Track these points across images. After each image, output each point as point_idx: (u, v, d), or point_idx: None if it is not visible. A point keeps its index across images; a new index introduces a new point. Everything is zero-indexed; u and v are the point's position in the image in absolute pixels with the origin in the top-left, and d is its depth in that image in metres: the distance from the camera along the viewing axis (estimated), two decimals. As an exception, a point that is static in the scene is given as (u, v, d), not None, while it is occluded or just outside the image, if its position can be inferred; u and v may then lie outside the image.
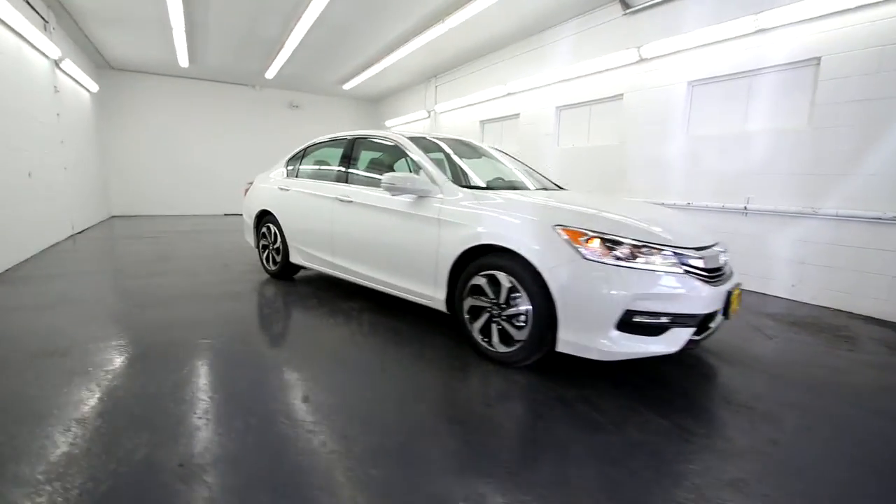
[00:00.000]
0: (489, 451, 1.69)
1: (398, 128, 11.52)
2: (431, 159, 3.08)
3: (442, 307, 2.78)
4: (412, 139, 3.29)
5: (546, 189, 3.41)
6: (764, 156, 4.30)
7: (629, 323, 2.10)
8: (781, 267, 4.23)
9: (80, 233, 7.21)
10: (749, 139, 4.42)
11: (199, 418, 1.83)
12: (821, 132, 3.90)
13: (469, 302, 2.58)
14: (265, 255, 4.47)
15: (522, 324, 2.33)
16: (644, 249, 2.15)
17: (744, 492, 1.51)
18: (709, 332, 2.34)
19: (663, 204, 4.91)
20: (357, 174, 3.58)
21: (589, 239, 2.16)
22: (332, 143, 4.00)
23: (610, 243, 2.15)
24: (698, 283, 2.19)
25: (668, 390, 2.29)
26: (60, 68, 6.52)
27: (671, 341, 2.16)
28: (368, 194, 3.28)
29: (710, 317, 2.28)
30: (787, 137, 4.13)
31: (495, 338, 2.47)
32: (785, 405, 2.16)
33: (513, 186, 3.25)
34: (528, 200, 2.58)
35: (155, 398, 2.00)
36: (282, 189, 4.17)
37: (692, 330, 2.20)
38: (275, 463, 1.56)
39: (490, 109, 8.07)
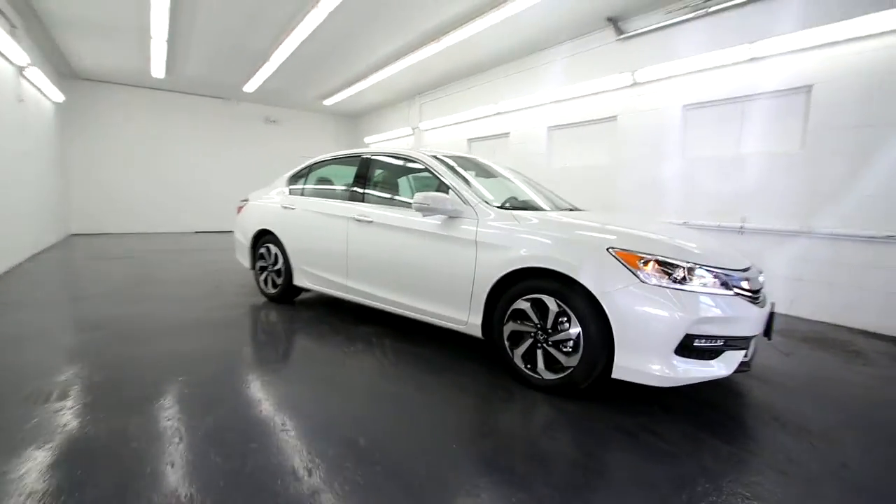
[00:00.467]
0: (580, 488, 1.59)
1: (379, 144, 11.41)
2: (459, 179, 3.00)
3: (476, 332, 2.67)
4: (436, 158, 3.19)
5: (561, 209, 3.30)
6: (758, 177, 4.48)
7: (689, 347, 2.07)
8: (779, 284, 4.38)
9: (39, 253, 6.63)
10: (743, 161, 4.60)
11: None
12: (813, 156, 4.10)
13: (510, 327, 2.48)
14: (263, 277, 4.22)
15: (570, 349, 2.26)
16: (697, 272, 2.14)
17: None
18: (754, 353, 2.34)
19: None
20: (375, 194, 3.45)
21: (646, 262, 2.13)
22: (342, 160, 3.85)
23: (667, 266, 2.12)
24: (748, 305, 2.20)
25: (718, 413, 2.26)
26: (25, 76, 6.05)
27: (726, 364, 2.14)
28: (391, 215, 3.14)
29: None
30: (781, 160, 4.33)
31: (540, 364, 2.38)
32: (835, 426, 2.17)
33: (528, 206, 3.11)
34: (572, 222, 2.53)
35: None
36: (285, 207, 3.97)
37: (744, 352, 2.20)
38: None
39: (478, 128, 8.11)
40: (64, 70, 8.43)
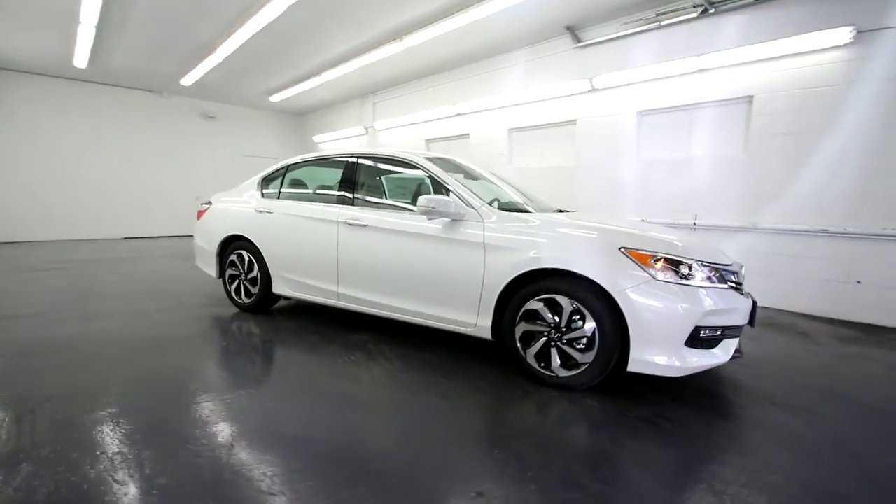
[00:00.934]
0: (629, 481, 1.66)
1: (330, 144, 11.05)
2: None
3: (486, 335, 2.69)
4: (432, 160, 3.17)
5: (547, 210, 3.34)
6: (708, 178, 4.92)
7: (696, 338, 2.23)
8: (728, 275, 4.84)
9: (-61, 267, 5.69)
10: (694, 164, 5.03)
11: None
12: (755, 159, 4.58)
13: (522, 327, 2.53)
14: (234, 286, 3.93)
15: (584, 346, 2.35)
16: (700, 268, 2.31)
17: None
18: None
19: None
20: (367, 197, 3.34)
21: (657, 260, 2.26)
22: (323, 161, 3.70)
23: (674, 264, 2.27)
24: (739, 297, 2.41)
25: (718, 398, 2.47)
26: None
27: (725, 352, 2.35)
28: (386, 218, 3.07)
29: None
30: (727, 163, 4.78)
31: (555, 362, 2.44)
32: (817, 401, 2.45)
33: (515, 209, 3.10)
34: (576, 223, 2.62)
35: None
36: (260, 211, 3.73)
37: (737, 340, 2.41)
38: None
39: (437, 128, 8.12)
40: (-42, 55, 7.29)
